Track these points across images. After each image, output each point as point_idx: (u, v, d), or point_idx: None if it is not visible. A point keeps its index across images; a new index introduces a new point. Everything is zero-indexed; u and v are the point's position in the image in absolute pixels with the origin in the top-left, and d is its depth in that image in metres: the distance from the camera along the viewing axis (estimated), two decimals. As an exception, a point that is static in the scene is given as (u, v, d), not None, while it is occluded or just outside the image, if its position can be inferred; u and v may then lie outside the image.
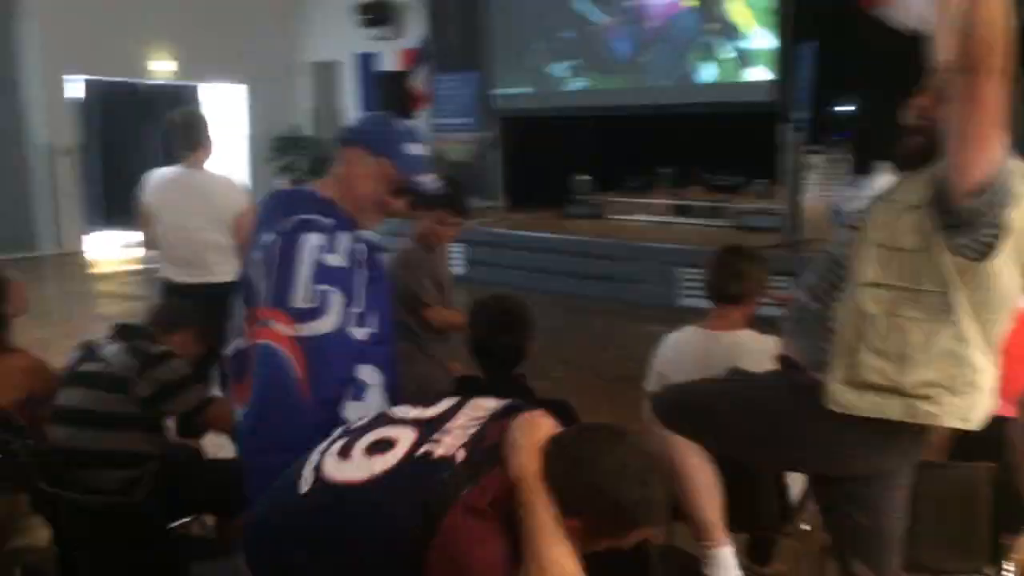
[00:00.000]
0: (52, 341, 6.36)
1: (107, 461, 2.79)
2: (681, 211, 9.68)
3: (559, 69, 10.47)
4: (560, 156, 10.24)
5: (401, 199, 2.19)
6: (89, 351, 2.91)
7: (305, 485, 1.65)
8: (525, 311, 2.51)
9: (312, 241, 2.00)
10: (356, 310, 2.02)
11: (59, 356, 4.39)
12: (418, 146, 2.19)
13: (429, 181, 2.20)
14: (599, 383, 5.73)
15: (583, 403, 2.42)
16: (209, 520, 3.15)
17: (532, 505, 1.52)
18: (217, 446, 3.95)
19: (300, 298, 1.96)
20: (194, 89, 12.05)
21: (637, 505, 1.54)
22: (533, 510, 1.52)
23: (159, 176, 4.03)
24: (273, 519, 1.70)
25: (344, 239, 2.05)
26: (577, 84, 10.41)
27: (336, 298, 1.98)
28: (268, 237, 2.05)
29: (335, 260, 2.01)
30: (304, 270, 1.97)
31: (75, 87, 11.05)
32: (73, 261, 10.62)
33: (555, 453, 1.57)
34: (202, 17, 11.47)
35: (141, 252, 4.24)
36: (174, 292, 3.99)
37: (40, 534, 3.11)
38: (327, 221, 2.05)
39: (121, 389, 2.76)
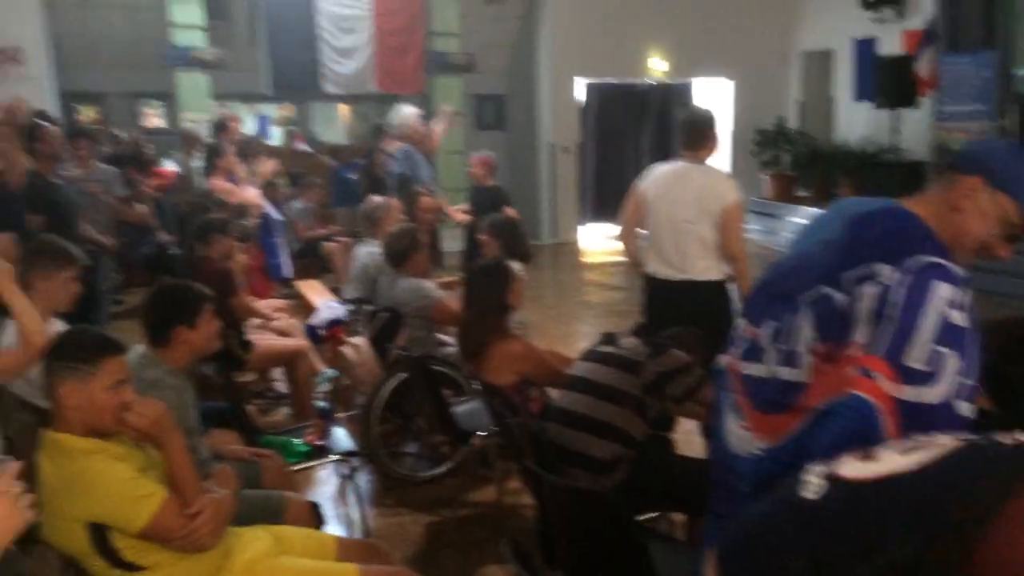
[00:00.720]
0: (543, 325, 7.02)
1: (602, 431, 2.99)
2: None
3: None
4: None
5: (1009, 246, 1.87)
6: (609, 337, 3.18)
7: (815, 491, 1.50)
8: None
9: (942, 292, 1.72)
10: (968, 381, 1.71)
11: (548, 339, 4.83)
12: None
13: None
14: None
15: None
16: (676, 517, 3.17)
17: None
18: (687, 442, 4.00)
19: (916, 357, 1.69)
20: (684, 86, 12.42)
21: None
22: None
23: (659, 168, 4.20)
24: (766, 530, 1.58)
25: (967, 293, 1.76)
26: None
27: (953, 364, 1.70)
28: (886, 270, 1.75)
29: (960, 319, 1.72)
30: (929, 325, 1.70)
31: (578, 89, 12.06)
32: (566, 251, 11.63)
33: None
34: (696, 14, 11.75)
35: (618, 243, 4.46)
36: (657, 288, 4.09)
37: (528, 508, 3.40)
38: (957, 271, 1.76)
39: (631, 370, 2.97)
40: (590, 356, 3.20)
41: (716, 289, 4.03)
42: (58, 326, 3.20)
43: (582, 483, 2.95)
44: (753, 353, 1.93)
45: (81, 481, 2.10)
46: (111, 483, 2.11)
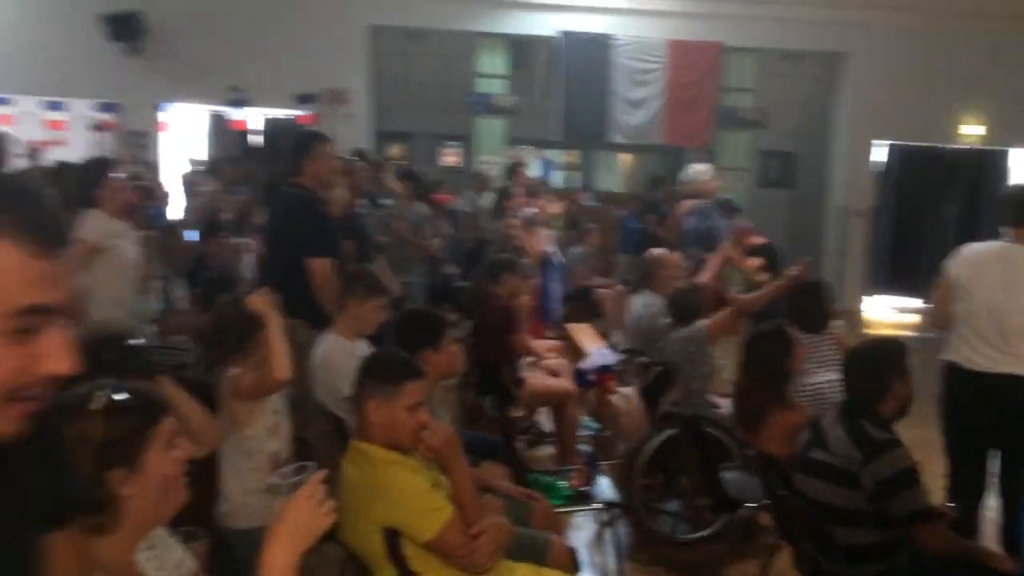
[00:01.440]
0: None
1: (852, 554, 2.79)
2: None
3: None
4: None
5: None
6: (817, 434, 2.93)
7: None
8: None
9: None
10: None
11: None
12: None
13: None
14: None
15: None
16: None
17: None
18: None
19: None
20: (1001, 154, 11.31)
21: None
22: None
23: (974, 249, 3.75)
24: None
25: None
26: None
27: None
28: None
29: None
30: None
31: (878, 152, 11.37)
32: (848, 320, 10.92)
33: None
34: (1020, 77, 10.70)
35: (917, 320, 4.07)
36: (960, 379, 3.67)
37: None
38: None
39: (849, 483, 2.75)
40: (806, 467, 2.93)
41: None
42: (364, 347, 3.48)
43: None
44: None
45: (383, 487, 2.27)
46: (410, 491, 2.27)
